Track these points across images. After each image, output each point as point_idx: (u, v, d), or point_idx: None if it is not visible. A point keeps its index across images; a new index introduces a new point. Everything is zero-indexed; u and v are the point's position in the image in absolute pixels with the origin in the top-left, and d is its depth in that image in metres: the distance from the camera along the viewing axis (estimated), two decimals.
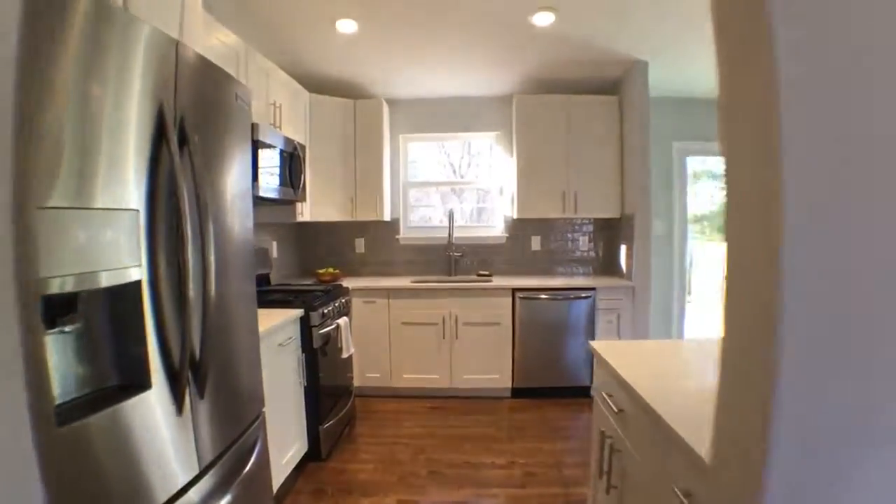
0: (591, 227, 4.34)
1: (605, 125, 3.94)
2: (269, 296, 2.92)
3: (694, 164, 4.45)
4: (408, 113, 4.35)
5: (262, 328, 1.95)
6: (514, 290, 3.68)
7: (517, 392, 3.77)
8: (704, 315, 6.17)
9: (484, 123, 4.34)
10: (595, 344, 1.86)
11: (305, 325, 2.67)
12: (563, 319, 3.69)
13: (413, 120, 4.36)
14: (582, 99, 3.94)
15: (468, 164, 4.78)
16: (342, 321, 3.02)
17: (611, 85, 4.04)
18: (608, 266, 4.32)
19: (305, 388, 2.68)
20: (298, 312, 2.61)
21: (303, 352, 2.66)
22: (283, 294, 2.99)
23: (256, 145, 2.65)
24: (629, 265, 3.82)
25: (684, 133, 4.28)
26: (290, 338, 2.51)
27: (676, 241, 4.32)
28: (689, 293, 4.28)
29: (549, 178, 3.96)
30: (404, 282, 3.90)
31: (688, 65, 3.63)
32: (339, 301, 3.14)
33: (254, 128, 2.62)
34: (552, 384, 3.74)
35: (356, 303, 3.72)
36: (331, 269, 4.05)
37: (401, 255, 4.41)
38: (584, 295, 3.67)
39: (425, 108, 4.33)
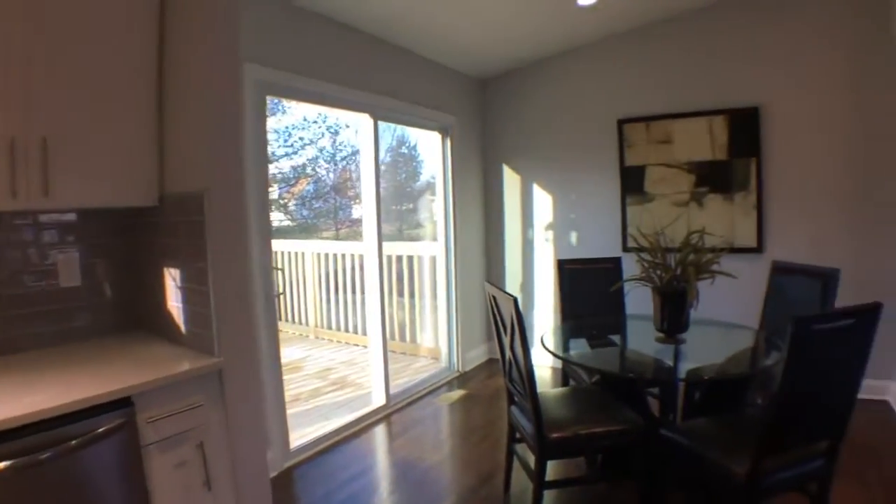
0: (75, 228, 1.81)
1: None
2: None
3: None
4: None
5: None
6: None
7: None
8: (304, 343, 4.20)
9: None
10: None
11: None
12: None
13: None
14: None
15: None
16: None
17: None
18: (119, 317, 1.91)
19: None
20: None
21: None
22: None
23: None
24: (187, 313, 1.64)
25: (274, 55, 2.31)
26: None
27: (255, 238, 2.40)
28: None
29: None
30: None
31: None
32: None
33: None
34: None
35: None
36: None
37: None
38: (94, 431, 1.29)
39: None
